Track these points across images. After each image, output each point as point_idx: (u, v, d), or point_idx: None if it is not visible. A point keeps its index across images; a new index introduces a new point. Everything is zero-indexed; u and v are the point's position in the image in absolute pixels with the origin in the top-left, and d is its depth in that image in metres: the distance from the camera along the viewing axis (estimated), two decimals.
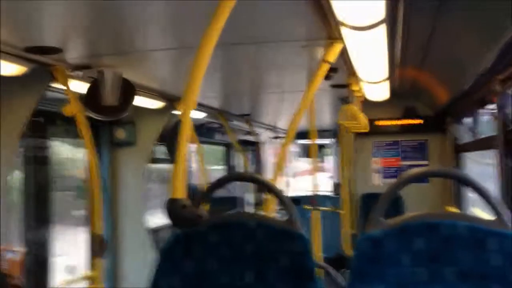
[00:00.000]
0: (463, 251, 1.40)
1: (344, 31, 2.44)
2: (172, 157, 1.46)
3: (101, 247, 3.01)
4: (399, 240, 1.43)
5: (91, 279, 3.08)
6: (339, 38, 2.58)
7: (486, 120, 4.31)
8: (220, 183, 1.75)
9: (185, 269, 1.59)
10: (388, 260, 1.42)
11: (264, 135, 8.71)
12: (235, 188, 8.73)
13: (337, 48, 2.60)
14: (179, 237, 1.61)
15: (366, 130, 4.90)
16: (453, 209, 5.17)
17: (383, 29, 2.45)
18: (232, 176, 2.72)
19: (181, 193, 1.44)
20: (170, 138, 1.43)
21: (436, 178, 5.57)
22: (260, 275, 1.56)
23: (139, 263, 4.66)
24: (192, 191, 6.03)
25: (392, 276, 1.41)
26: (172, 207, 1.44)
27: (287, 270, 1.54)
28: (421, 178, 1.56)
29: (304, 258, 1.54)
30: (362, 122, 4.29)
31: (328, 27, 2.42)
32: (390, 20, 2.41)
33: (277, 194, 1.69)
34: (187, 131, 1.46)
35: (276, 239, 1.57)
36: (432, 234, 1.42)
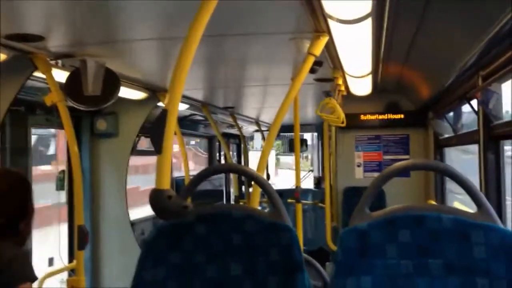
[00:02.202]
0: (448, 244, 1.42)
1: (331, 24, 2.44)
2: (156, 148, 1.44)
3: (82, 239, 2.98)
4: (385, 232, 1.44)
5: (72, 271, 3.05)
6: (325, 31, 2.58)
7: (468, 115, 4.36)
8: (204, 175, 1.74)
9: (170, 261, 1.58)
10: (374, 252, 1.43)
11: (248, 128, 8.70)
12: (219, 182, 8.72)
13: (322, 41, 2.60)
14: (163, 228, 1.60)
15: (343, 125, 4.93)
16: (434, 203, 5.24)
17: (369, 23, 2.45)
18: (218, 168, 2.70)
19: (166, 184, 1.43)
20: (155, 129, 1.41)
21: (416, 172, 5.63)
22: (248, 267, 1.55)
23: (120, 255, 4.63)
24: (176, 184, 6.02)
25: (378, 268, 1.42)
26: (157, 198, 1.42)
27: (275, 262, 1.54)
28: (404, 172, 1.57)
29: (291, 250, 1.54)
30: (340, 116, 4.30)
31: (314, 19, 2.41)
32: (377, 14, 2.42)
33: (263, 185, 1.68)
34: (172, 123, 1.44)
35: (264, 231, 1.57)
36: (418, 226, 1.44)
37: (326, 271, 3.73)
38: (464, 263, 1.40)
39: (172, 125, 1.43)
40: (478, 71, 3.25)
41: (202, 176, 1.71)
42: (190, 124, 6.77)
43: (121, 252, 4.63)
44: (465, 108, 4.25)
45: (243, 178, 7.53)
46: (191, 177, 1.85)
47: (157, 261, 1.58)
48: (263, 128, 8.72)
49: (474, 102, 3.60)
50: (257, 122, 8.31)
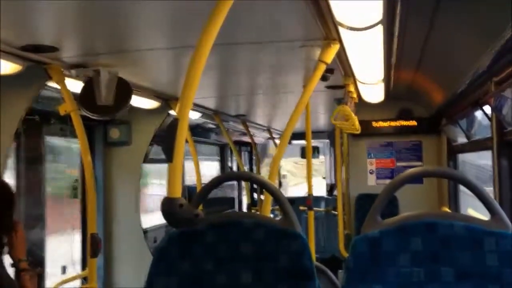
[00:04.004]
0: (461, 251, 1.41)
1: (341, 31, 2.45)
2: (168, 157, 1.45)
3: (95, 247, 3.00)
4: (397, 240, 1.43)
5: (85, 279, 3.07)
6: (336, 38, 2.58)
7: (481, 121, 4.32)
8: (217, 182, 1.74)
9: (181, 269, 1.58)
10: (386, 260, 1.42)
11: (260, 136, 8.71)
12: (230, 189, 8.73)
13: (333, 49, 2.60)
14: (175, 236, 1.61)
15: (358, 132, 4.90)
16: (448, 210, 5.19)
17: (380, 30, 2.45)
18: (229, 175, 2.71)
19: (177, 193, 1.44)
20: (166, 137, 1.44)
21: (430, 179, 5.58)
22: (258, 275, 1.55)
23: (133, 263, 4.65)
24: (188, 192, 6.04)
25: (390, 276, 1.41)
26: (169, 207, 1.43)
27: (285, 270, 1.54)
28: (417, 178, 1.56)
29: (302, 258, 1.53)
30: (355, 123, 4.29)
31: (325, 27, 2.42)
32: (387, 21, 2.42)
33: (274, 193, 1.68)
34: (184, 131, 1.45)
35: (274, 239, 1.57)
36: (430, 234, 1.43)
37: (339, 279, 3.71)
38: (476, 270, 1.38)
39: (183, 133, 1.44)
40: (491, 77, 3.22)
41: (214, 184, 1.71)
42: (202, 132, 6.80)
43: (134, 260, 4.64)
44: (479, 114, 4.21)
45: (255, 185, 7.53)
46: (203, 185, 1.86)
47: (168, 269, 1.58)
48: (275, 136, 8.72)
49: (488, 108, 3.57)
50: (269, 129, 8.32)
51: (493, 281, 1.37)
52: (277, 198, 1.65)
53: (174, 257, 1.59)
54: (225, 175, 2.91)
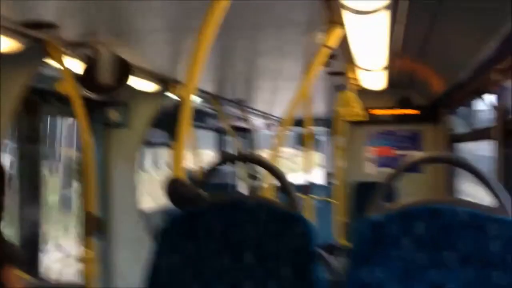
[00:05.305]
0: (464, 237, 1.41)
1: (345, 15, 2.42)
2: (172, 138, 1.46)
3: (94, 226, 2.99)
4: (400, 224, 1.43)
5: (84, 259, 3.07)
6: (340, 23, 2.55)
7: (481, 110, 4.32)
8: (219, 163, 1.73)
9: (184, 249, 1.58)
10: (389, 244, 1.42)
11: (258, 121, 8.69)
12: (227, 176, 8.72)
13: (337, 33, 2.58)
14: (178, 217, 1.60)
15: (363, 118, 4.90)
16: None
17: (385, 15, 2.43)
18: (233, 156, 2.69)
19: (181, 174, 1.43)
20: (170, 120, 1.45)
21: (429, 169, 5.59)
22: (261, 257, 1.55)
23: (131, 245, 4.66)
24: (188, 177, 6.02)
25: (393, 260, 1.41)
26: (173, 187, 1.43)
27: (288, 252, 1.54)
28: (421, 164, 1.55)
29: (305, 240, 1.53)
30: (359, 110, 4.27)
31: (329, 10, 2.39)
32: (393, 6, 2.39)
33: (279, 176, 1.67)
34: (187, 114, 1.45)
35: (278, 221, 1.56)
36: (433, 219, 1.43)
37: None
38: (479, 256, 1.38)
39: (187, 116, 1.43)
40: (494, 65, 3.21)
41: (217, 165, 1.71)
42: (198, 116, 6.76)
43: (132, 242, 4.65)
44: (480, 103, 4.20)
45: (251, 172, 7.52)
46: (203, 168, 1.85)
47: (172, 250, 1.58)
48: (274, 123, 8.70)
49: (489, 97, 3.56)
50: (268, 116, 8.30)
51: (495, 266, 1.37)
52: (282, 181, 1.65)
53: (178, 238, 1.58)
54: (230, 156, 2.89)
